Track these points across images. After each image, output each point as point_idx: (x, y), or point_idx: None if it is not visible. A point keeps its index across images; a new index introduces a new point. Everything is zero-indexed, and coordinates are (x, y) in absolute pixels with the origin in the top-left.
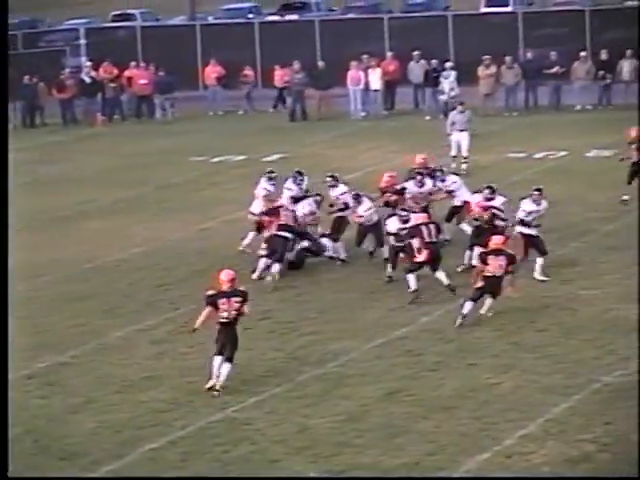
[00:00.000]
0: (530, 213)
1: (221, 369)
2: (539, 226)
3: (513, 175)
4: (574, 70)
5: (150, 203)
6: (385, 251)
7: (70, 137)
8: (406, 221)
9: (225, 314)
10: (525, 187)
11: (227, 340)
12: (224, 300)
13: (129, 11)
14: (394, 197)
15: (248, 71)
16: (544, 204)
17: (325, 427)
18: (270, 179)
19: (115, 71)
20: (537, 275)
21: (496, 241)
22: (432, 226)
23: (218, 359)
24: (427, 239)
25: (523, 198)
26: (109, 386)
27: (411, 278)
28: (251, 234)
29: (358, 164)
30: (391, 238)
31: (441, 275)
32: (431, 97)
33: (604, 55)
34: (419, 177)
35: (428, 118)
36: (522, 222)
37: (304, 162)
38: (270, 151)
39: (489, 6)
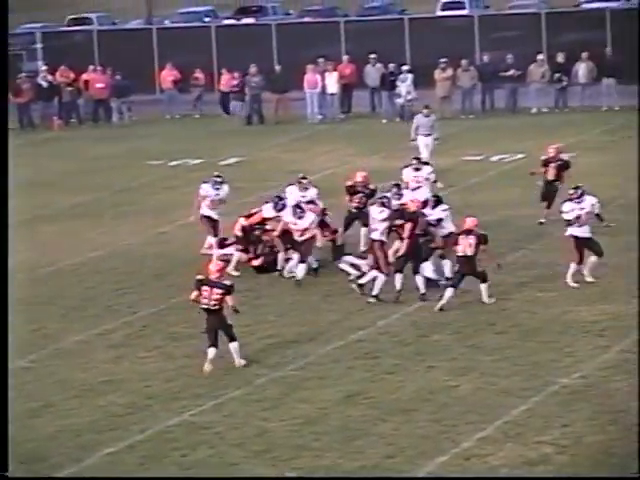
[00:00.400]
0: (571, 212)
1: (230, 350)
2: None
3: (470, 178)
4: (530, 73)
5: (108, 207)
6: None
7: (27, 141)
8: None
9: (205, 301)
10: (482, 190)
11: (218, 326)
12: (207, 288)
13: (86, 15)
14: (363, 199)
15: (199, 74)
16: (588, 200)
17: (284, 430)
18: (216, 183)
19: (72, 75)
20: (588, 278)
21: (469, 222)
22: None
23: (212, 350)
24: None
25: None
26: (68, 390)
27: (397, 277)
28: (209, 238)
29: (315, 167)
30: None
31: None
32: (388, 100)
33: (560, 58)
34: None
35: (385, 121)
36: (568, 223)
37: (261, 165)
38: (227, 154)
39: (445, 10)
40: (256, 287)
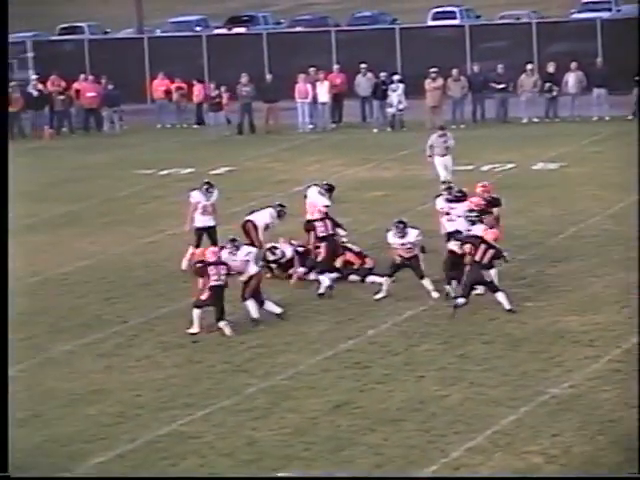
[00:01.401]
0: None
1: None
2: None
3: (461, 188)
4: (521, 83)
5: (97, 216)
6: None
7: (18, 150)
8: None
9: (215, 277)
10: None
11: (221, 303)
12: (212, 267)
13: (77, 24)
14: None
15: (181, 84)
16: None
17: (273, 440)
18: (206, 189)
19: (63, 84)
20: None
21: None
22: None
23: (223, 322)
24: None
25: None
26: (56, 400)
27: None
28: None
29: (305, 177)
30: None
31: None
32: (379, 110)
33: (551, 68)
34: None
35: (376, 131)
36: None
37: (251, 175)
38: (217, 164)
39: (436, 19)
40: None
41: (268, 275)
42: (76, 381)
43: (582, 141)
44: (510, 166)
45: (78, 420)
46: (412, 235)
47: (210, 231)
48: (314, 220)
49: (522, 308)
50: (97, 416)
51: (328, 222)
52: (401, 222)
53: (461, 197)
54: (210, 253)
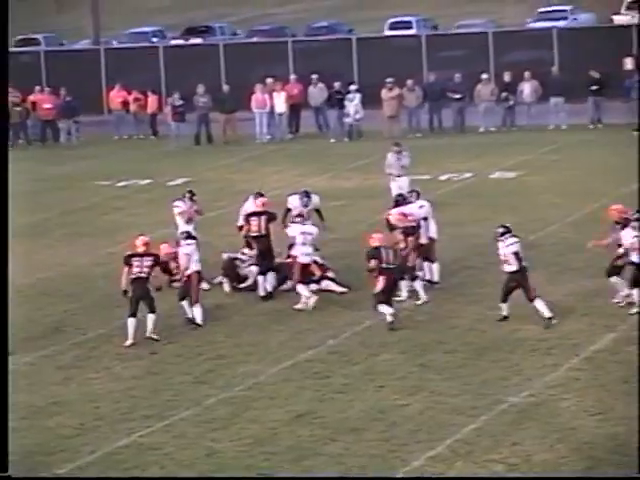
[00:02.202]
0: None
1: (147, 321)
2: None
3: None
4: (478, 92)
5: (56, 228)
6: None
7: None
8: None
9: (137, 270)
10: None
11: (141, 296)
12: (137, 259)
13: (33, 36)
14: None
15: (138, 95)
16: None
17: (233, 451)
18: (191, 199)
19: (19, 96)
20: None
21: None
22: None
23: (132, 320)
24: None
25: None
26: (16, 412)
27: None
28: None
29: (264, 187)
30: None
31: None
32: (336, 120)
33: (507, 77)
34: None
35: (333, 141)
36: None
37: (210, 186)
38: (175, 175)
39: (393, 29)
40: (205, 308)
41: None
42: (35, 393)
43: (540, 150)
44: (468, 175)
45: (38, 432)
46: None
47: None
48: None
49: (482, 317)
50: (57, 428)
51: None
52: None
53: (402, 202)
54: (140, 242)
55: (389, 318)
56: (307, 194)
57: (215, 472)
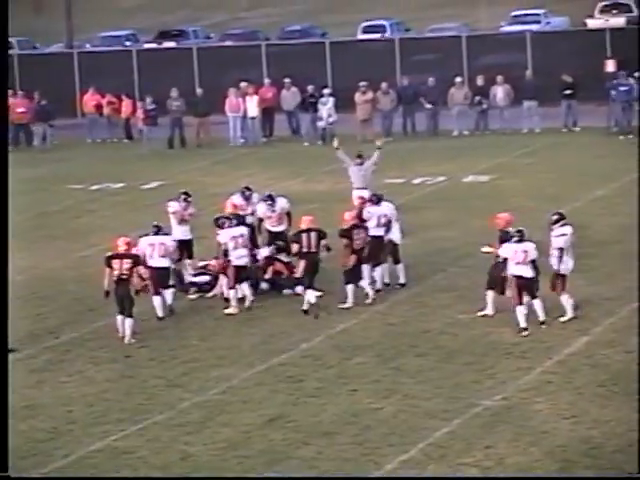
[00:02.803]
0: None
1: (125, 326)
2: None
3: (392, 200)
4: (451, 96)
5: (29, 231)
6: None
7: None
8: None
9: (117, 272)
10: (404, 212)
11: (124, 296)
12: (117, 261)
13: None
14: None
15: (112, 98)
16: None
17: (207, 454)
18: (185, 200)
19: None
20: None
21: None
22: (313, 234)
23: (120, 317)
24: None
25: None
26: None
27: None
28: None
29: (237, 191)
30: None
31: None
32: (309, 123)
33: (480, 81)
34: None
35: (306, 144)
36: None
37: (183, 189)
38: (149, 178)
39: (366, 33)
40: (178, 311)
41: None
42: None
43: (513, 153)
44: (441, 179)
45: (10, 436)
46: None
47: (186, 246)
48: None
49: (455, 320)
50: (30, 432)
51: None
52: None
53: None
54: (121, 242)
55: (306, 305)
56: (271, 198)
57: (189, 475)
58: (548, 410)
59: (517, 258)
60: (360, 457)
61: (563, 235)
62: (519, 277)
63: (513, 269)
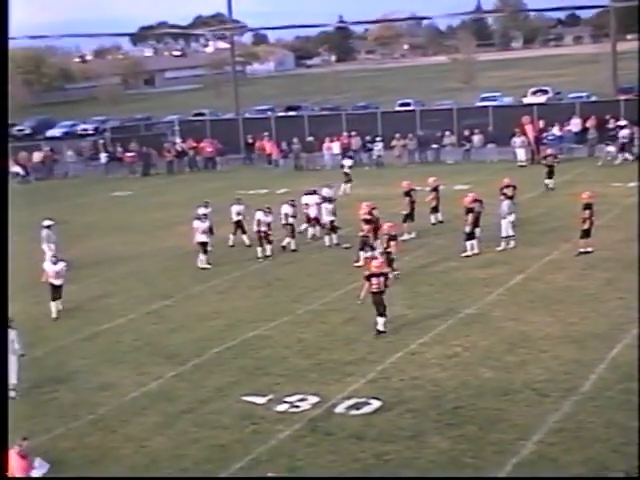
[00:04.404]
0: None
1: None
2: None
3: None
4: (446, 141)
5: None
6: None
7: None
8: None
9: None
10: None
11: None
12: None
13: None
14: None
15: (261, 143)
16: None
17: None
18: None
19: None
20: None
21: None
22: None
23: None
24: None
25: None
26: None
27: None
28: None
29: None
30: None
31: None
32: (368, 158)
33: (465, 132)
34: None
35: (367, 168)
36: None
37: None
38: (280, 187)
39: (401, 106)
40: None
41: None
42: None
43: (482, 173)
44: (442, 187)
45: (201, 330)
46: None
47: None
48: None
49: (451, 263)
50: (216, 326)
51: None
52: None
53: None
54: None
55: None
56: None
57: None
58: (501, 315)
59: None
60: (395, 340)
61: None
62: None
63: None
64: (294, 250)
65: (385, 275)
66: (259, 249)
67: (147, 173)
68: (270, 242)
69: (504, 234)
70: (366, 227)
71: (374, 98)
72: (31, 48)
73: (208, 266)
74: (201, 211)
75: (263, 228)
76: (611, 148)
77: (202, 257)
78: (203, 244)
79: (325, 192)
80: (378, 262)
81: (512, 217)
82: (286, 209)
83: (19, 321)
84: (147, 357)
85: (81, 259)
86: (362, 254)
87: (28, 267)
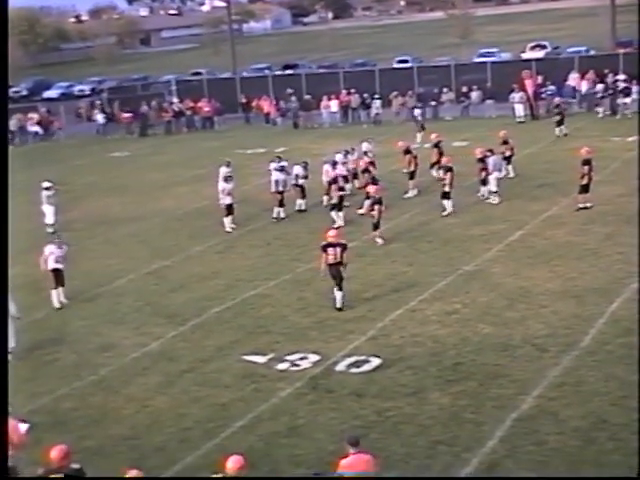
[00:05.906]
0: None
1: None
2: None
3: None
4: (444, 98)
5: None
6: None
7: None
8: None
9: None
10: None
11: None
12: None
13: None
14: None
15: (258, 102)
16: None
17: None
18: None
19: None
20: None
21: None
22: None
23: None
24: None
25: None
26: None
27: None
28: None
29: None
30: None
31: None
32: (366, 116)
33: (463, 89)
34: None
35: (365, 127)
36: None
37: (298, 152)
38: (279, 145)
39: (399, 63)
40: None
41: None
42: None
43: (480, 129)
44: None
45: (202, 290)
46: None
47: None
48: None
49: (448, 222)
50: (214, 287)
51: None
52: None
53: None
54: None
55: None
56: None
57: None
58: (500, 271)
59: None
60: (395, 298)
61: None
62: None
63: None
64: (304, 210)
65: (343, 245)
66: (275, 209)
67: (144, 134)
68: (304, 197)
69: (493, 189)
70: (364, 180)
71: (372, 55)
72: (25, 8)
73: (233, 227)
74: (224, 171)
75: (301, 181)
76: (627, 99)
77: (228, 219)
78: (229, 206)
79: (365, 147)
80: (334, 232)
81: (498, 174)
82: (297, 170)
83: (19, 284)
84: (147, 317)
85: (81, 220)
86: (366, 203)
87: (28, 230)
